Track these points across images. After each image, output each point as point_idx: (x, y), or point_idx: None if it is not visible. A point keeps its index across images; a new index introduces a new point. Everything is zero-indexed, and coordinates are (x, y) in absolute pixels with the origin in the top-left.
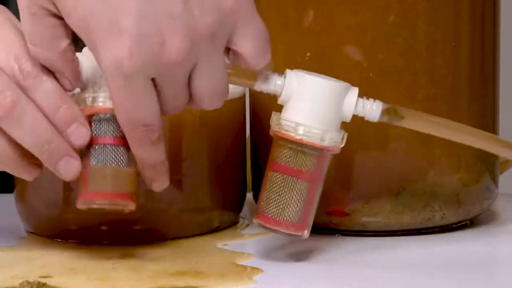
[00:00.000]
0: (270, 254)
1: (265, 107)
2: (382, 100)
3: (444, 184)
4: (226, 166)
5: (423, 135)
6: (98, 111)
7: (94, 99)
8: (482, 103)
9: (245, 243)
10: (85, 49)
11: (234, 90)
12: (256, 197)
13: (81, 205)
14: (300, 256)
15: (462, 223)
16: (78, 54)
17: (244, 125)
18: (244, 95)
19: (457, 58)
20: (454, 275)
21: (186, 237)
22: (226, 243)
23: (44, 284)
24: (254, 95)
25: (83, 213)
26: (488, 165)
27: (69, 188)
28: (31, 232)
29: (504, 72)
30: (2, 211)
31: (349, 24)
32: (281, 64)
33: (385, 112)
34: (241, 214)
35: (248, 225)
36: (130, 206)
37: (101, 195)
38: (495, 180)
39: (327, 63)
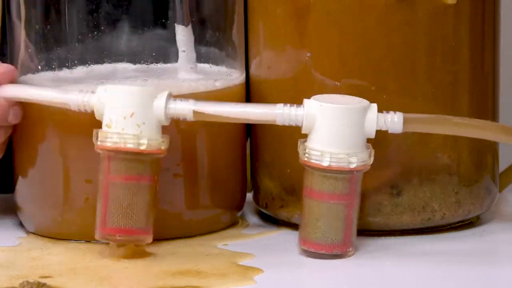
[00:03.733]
0: (270, 254)
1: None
2: (382, 100)
3: (444, 184)
4: (226, 166)
5: (423, 134)
6: (120, 150)
7: (118, 139)
8: (482, 103)
9: (245, 243)
10: (107, 87)
11: (233, 85)
12: (256, 197)
13: (99, 238)
14: (300, 256)
15: (462, 223)
16: (101, 88)
17: (244, 124)
18: (244, 93)
19: (457, 58)
20: (454, 275)
21: (186, 237)
22: (226, 243)
23: (44, 284)
24: (253, 93)
25: (83, 213)
26: (488, 165)
27: (69, 188)
28: (31, 232)
29: (504, 72)
30: (2, 211)
31: (349, 25)
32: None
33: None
34: (241, 214)
35: (248, 225)
36: (148, 240)
37: (119, 231)
38: (495, 180)
39: (326, 63)
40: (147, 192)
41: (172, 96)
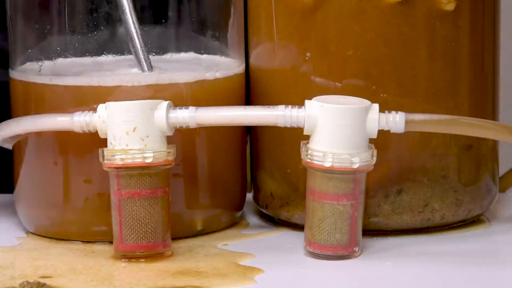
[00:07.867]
0: (270, 254)
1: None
2: (382, 100)
3: (444, 184)
4: (226, 166)
5: (423, 134)
6: (129, 166)
7: (124, 155)
8: (482, 103)
9: (245, 243)
10: (108, 104)
11: (233, 74)
12: (256, 197)
13: (118, 255)
14: (300, 256)
15: (462, 223)
16: (101, 107)
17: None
18: (243, 82)
19: (457, 59)
20: (454, 275)
21: (186, 237)
22: (226, 243)
23: (44, 284)
24: (253, 82)
25: (83, 213)
26: (488, 165)
27: (69, 188)
28: (31, 232)
29: (504, 72)
30: (2, 211)
31: (350, 25)
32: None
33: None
34: (241, 214)
35: (248, 225)
36: (167, 252)
37: (137, 247)
38: (495, 180)
39: (327, 63)
40: (160, 205)
41: (173, 105)
